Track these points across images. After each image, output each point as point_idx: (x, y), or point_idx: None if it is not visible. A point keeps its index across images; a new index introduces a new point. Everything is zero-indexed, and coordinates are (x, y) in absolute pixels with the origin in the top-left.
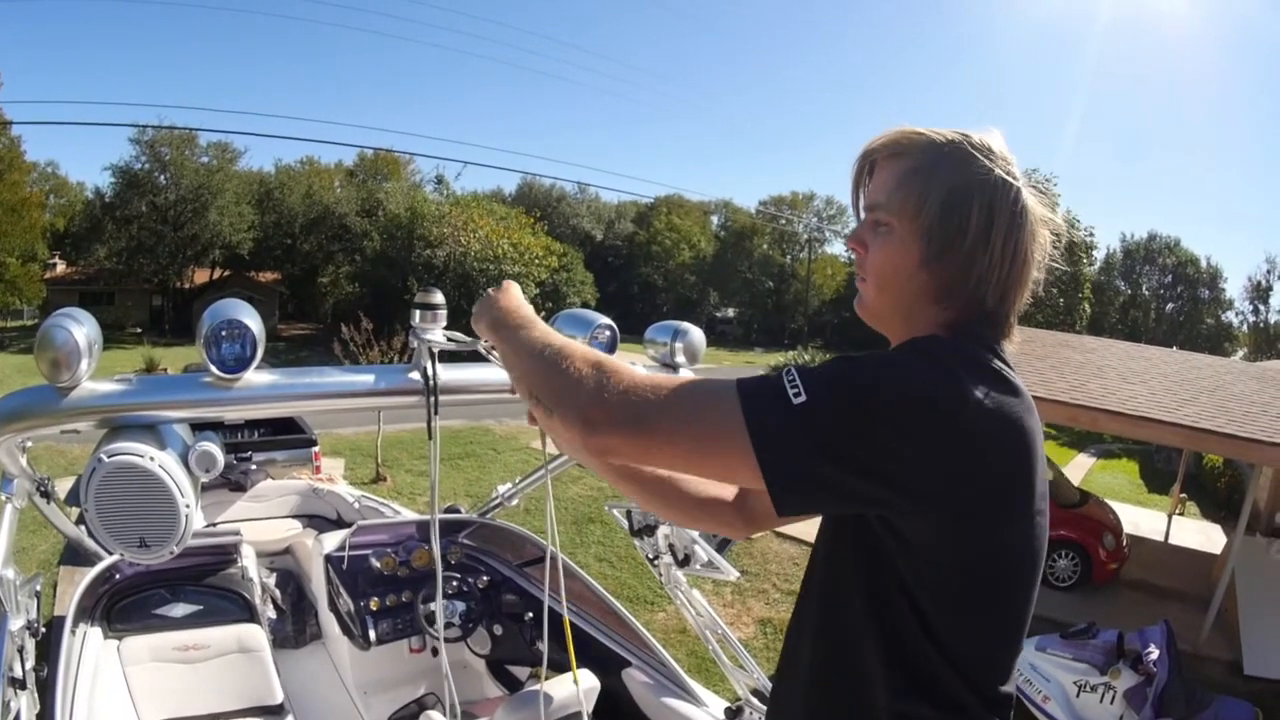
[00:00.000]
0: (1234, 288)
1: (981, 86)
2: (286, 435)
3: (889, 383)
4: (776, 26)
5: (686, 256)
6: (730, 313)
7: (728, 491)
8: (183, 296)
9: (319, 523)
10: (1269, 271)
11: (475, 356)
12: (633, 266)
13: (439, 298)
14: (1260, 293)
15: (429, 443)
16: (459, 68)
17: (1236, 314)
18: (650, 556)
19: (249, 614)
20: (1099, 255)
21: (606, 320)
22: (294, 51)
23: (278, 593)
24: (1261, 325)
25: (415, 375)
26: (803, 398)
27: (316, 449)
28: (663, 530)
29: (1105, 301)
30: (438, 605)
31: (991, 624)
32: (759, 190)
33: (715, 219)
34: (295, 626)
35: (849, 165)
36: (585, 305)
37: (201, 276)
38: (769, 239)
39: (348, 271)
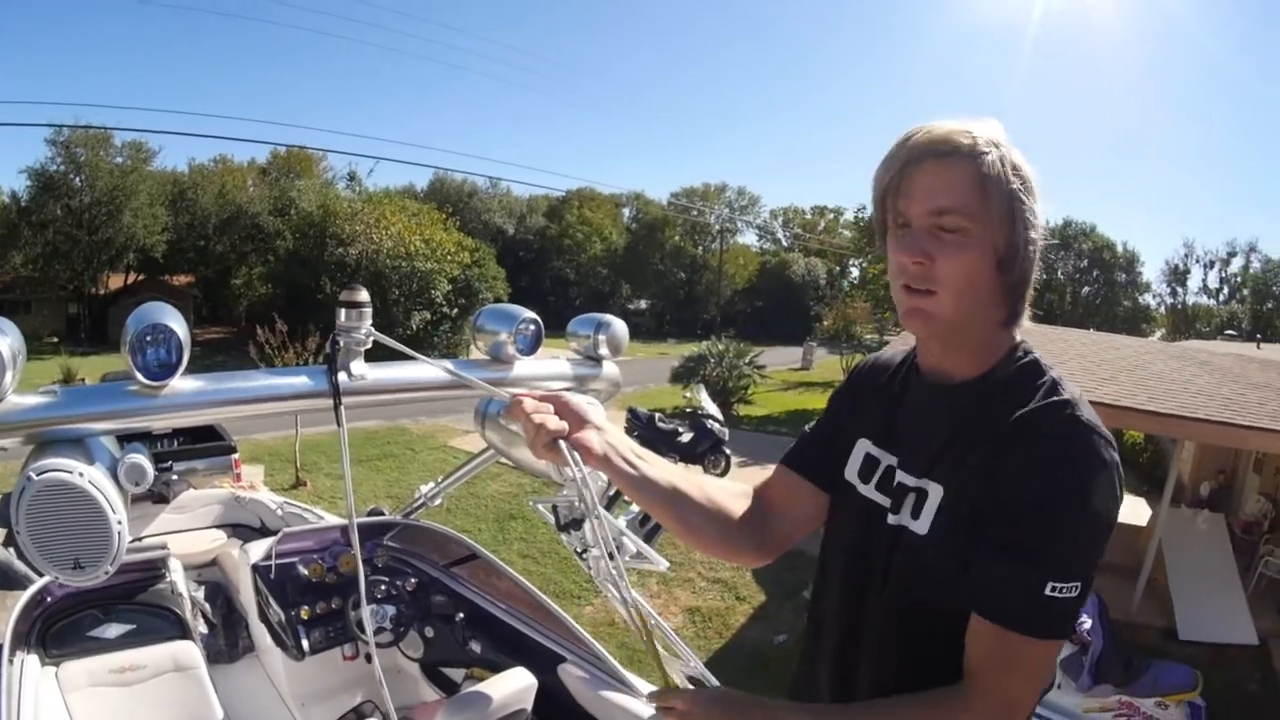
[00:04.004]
0: (1150, 271)
1: (895, 74)
2: (205, 443)
3: (1112, 514)
4: (688, 18)
5: (598, 249)
6: (643, 304)
7: (741, 521)
8: (98, 303)
9: (243, 532)
10: (1186, 255)
11: (400, 355)
12: (545, 260)
13: (364, 295)
14: (1178, 276)
15: (343, 445)
16: (371, 62)
17: (1154, 297)
18: (578, 550)
19: (181, 630)
20: None
21: (530, 315)
22: (205, 47)
23: (208, 606)
24: (1179, 307)
25: (343, 375)
26: (1076, 585)
27: (236, 456)
28: (589, 523)
29: None
30: (364, 610)
31: None
32: (671, 182)
33: (627, 211)
34: (228, 640)
35: (752, 155)
36: (498, 300)
37: (116, 282)
38: (681, 230)
39: (261, 272)
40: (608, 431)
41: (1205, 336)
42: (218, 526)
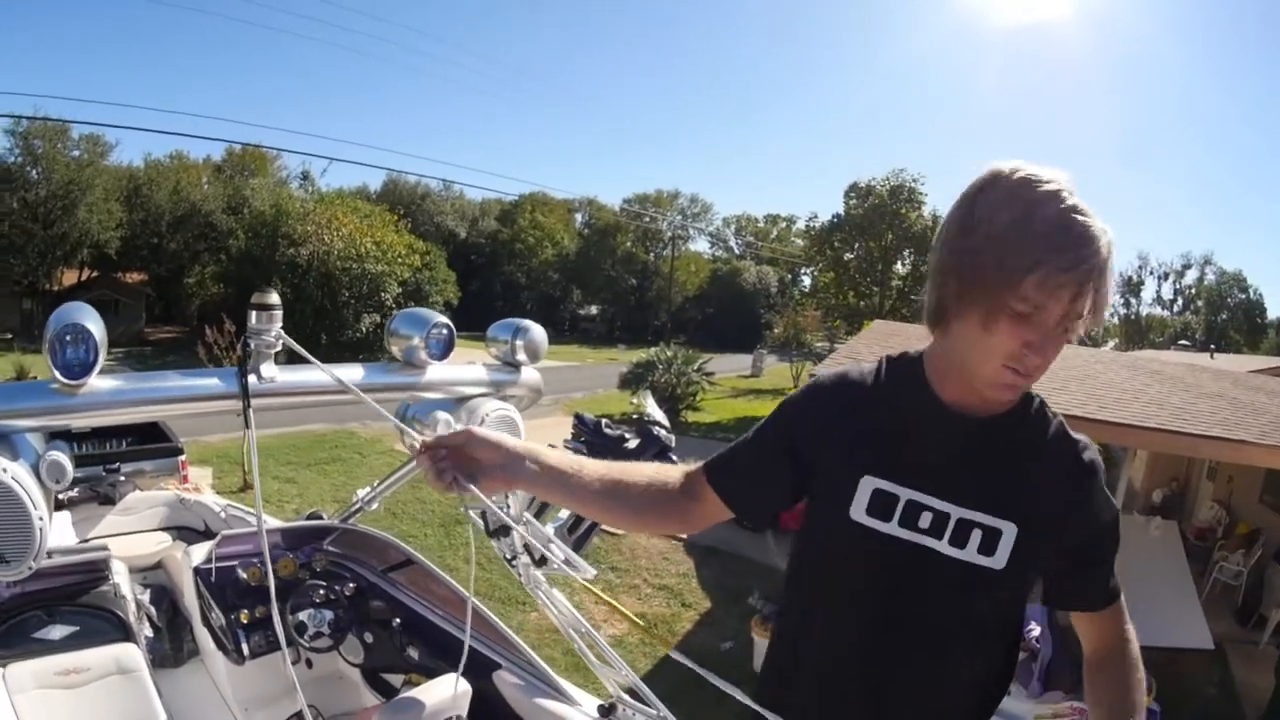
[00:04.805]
0: None
1: (850, 85)
2: (153, 444)
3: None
4: (643, 25)
5: (550, 254)
6: (593, 310)
7: (674, 498)
8: (53, 299)
9: (188, 534)
10: (1140, 267)
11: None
12: (496, 264)
13: (274, 298)
14: (1132, 287)
15: (246, 441)
16: (328, 61)
17: (1108, 307)
18: (508, 557)
19: (124, 633)
20: None
21: (443, 320)
22: (170, 43)
23: (152, 609)
24: (1133, 317)
25: (253, 378)
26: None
27: (183, 458)
28: (517, 530)
29: None
30: (275, 616)
31: None
32: (624, 188)
33: (579, 216)
34: (173, 644)
35: (705, 163)
36: (448, 304)
37: (70, 278)
38: (633, 236)
39: (213, 271)
40: (521, 457)
41: (1159, 347)
42: (163, 529)
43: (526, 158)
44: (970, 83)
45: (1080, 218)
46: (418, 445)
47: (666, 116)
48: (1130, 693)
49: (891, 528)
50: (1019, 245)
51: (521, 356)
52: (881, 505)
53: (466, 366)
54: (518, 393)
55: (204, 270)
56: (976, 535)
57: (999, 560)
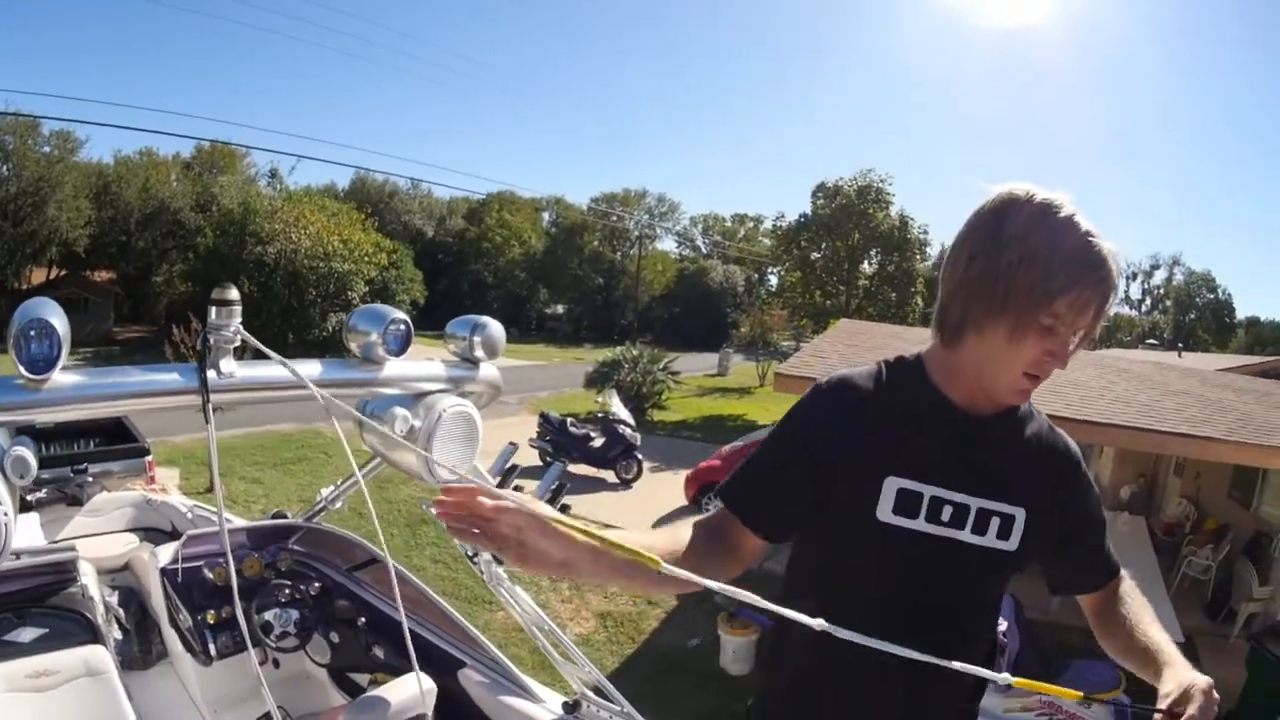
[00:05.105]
0: None
1: (817, 85)
2: (120, 445)
3: None
4: (612, 23)
5: (517, 253)
6: (560, 309)
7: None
8: (21, 298)
9: (155, 535)
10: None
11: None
12: (463, 263)
13: (233, 293)
14: None
15: (208, 438)
16: (298, 58)
17: None
18: (470, 554)
19: (92, 635)
20: (933, 252)
21: (400, 315)
22: (141, 37)
23: (121, 611)
24: None
25: (213, 373)
26: None
27: (150, 458)
28: None
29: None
30: (239, 612)
31: None
32: (591, 187)
33: (547, 215)
34: (142, 646)
35: (673, 162)
36: (414, 303)
37: (39, 276)
38: (600, 235)
39: (181, 270)
40: (585, 552)
41: (1127, 346)
42: (130, 530)
43: (494, 156)
44: (941, 82)
45: (1097, 241)
46: (438, 484)
47: (635, 115)
48: (1145, 609)
49: (919, 524)
50: (1050, 268)
51: (480, 353)
52: (907, 503)
53: (424, 363)
54: (476, 389)
55: (172, 269)
56: (995, 522)
57: (1013, 543)
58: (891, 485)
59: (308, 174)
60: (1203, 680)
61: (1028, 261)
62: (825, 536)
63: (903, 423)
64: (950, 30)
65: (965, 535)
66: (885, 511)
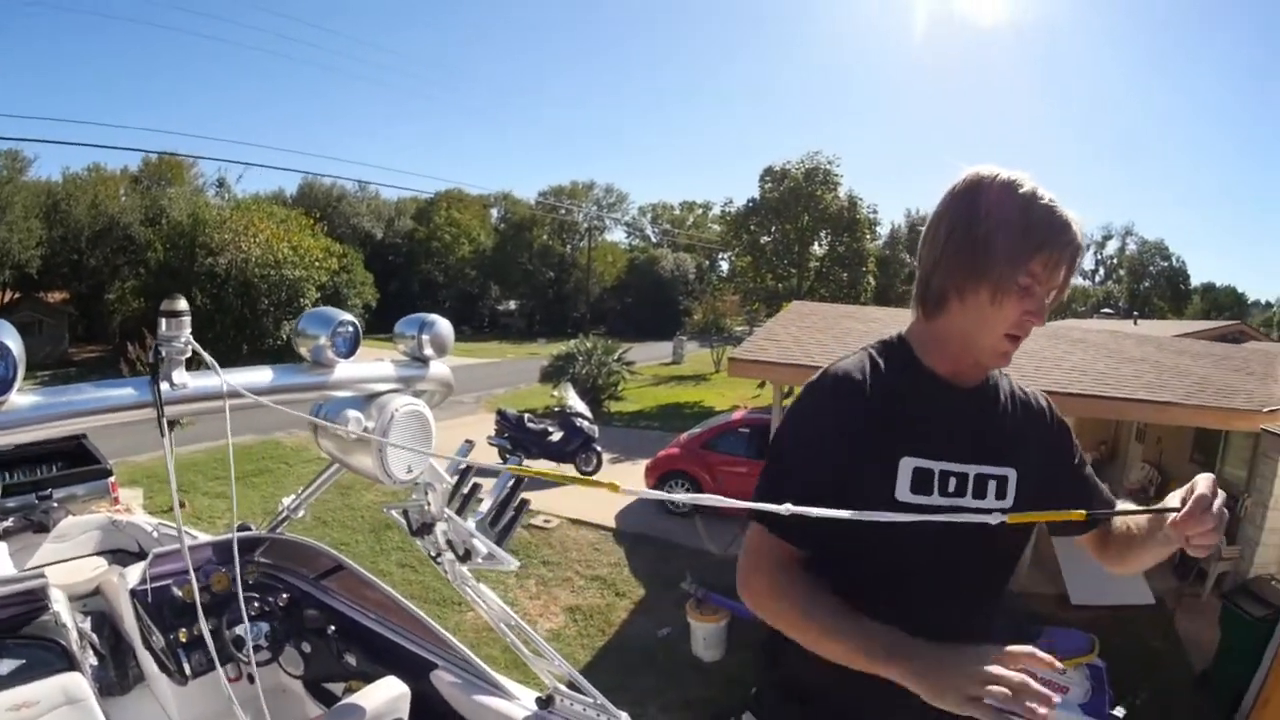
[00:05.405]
0: None
1: (762, 71)
2: (82, 468)
3: None
4: (555, 19)
5: (467, 251)
6: (512, 305)
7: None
8: None
9: (123, 556)
10: None
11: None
12: (414, 264)
13: (182, 304)
14: None
15: (168, 453)
16: (240, 63)
17: None
18: (433, 555)
19: (68, 662)
20: (883, 231)
21: (348, 318)
22: (83, 51)
23: (95, 637)
24: None
25: (165, 385)
26: None
27: (113, 479)
28: (440, 527)
29: (891, 274)
30: (204, 632)
31: None
32: (539, 181)
33: (495, 212)
34: (118, 670)
35: (620, 154)
36: (367, 306)
37: None
38: (549, 229)
39: (133, 286)
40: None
41: (1082, 316)
42: (98, 553)
43: (441, 156)
44: (886, 60)
45: (1060, 208)
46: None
47: (581, 109)
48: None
49: (934, 499)
50: (1025, 231)
51: (429, 351)
52: (922, 481)
53: (375, 363)
54: (427, 387)
55: (124, 285)
56: (992, 485)
57: (1009, 501)
58: (907, 465)
59: (256, 182)
60: (1204, 475)
61: (1003, 229)
62: (840, 523)
63: (904, 404)
64: (891, 6)
65: (968, 501)
66: (904, 491)
